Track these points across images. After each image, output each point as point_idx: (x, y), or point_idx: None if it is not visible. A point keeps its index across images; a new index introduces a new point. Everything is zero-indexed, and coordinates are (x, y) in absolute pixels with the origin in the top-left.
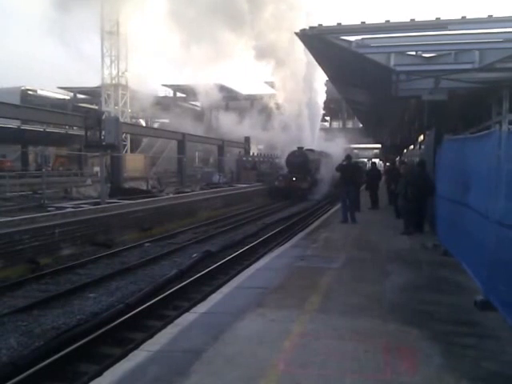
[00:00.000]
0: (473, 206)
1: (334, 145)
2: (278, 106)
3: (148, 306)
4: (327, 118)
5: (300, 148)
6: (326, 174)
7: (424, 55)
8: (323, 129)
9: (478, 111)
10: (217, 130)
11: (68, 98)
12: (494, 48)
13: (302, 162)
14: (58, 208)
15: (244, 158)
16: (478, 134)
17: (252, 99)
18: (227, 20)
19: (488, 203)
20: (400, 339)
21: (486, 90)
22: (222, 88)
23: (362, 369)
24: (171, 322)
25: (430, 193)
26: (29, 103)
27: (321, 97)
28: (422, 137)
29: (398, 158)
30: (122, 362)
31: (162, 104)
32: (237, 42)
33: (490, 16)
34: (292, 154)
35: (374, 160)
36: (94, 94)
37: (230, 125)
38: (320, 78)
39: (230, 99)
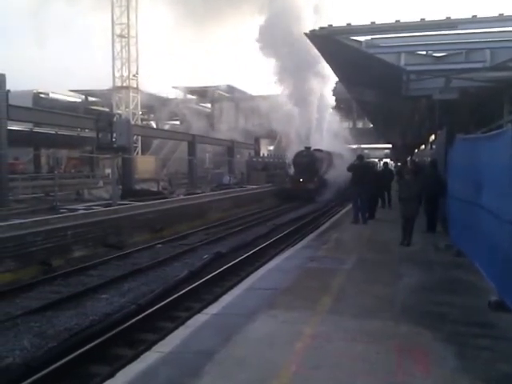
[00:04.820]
0: (485, 206)
1: (343, 144)
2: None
3: (159, 307)
4: (337, 119)
5: (307, 148)
6: (335, 174)
7: (434, 55)
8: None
9: (489, 110)
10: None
11: (79, 100)
12: (505, 47)
13: (309, 162)
14: (70, 210)
15: (254, 159)
16: (490, 134)
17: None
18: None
19: (501, 203)
20: (412, 341)
21: (497, 88)
22: (232, 89)
23: (375, 371)
24: (183, 323)
25: (442, 193)
26: (41, 106)
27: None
28: (433, 136)
29: (409, 158)
30: (134, 363)
31: (173, 106)
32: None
33: (501, 15)
34: (299, 155)
35: (385, 160)
36: (105, 96)
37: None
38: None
39: (239, 100)
